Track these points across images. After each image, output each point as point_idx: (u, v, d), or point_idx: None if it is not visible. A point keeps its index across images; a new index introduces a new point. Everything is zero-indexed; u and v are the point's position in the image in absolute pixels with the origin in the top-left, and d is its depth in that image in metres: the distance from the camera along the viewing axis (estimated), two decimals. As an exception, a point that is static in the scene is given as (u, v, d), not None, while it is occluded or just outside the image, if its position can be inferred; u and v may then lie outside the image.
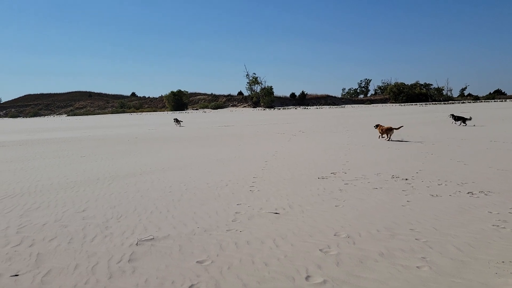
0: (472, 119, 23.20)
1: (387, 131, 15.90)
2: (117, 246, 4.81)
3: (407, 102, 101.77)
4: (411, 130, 20.82)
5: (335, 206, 6.36)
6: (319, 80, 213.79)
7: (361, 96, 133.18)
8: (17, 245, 4.92)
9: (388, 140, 15.69)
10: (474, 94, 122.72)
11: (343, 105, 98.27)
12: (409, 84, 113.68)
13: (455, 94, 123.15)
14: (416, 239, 4.79)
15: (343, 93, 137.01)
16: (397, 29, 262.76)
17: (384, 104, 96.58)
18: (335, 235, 5.02)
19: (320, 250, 4.53)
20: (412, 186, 7.56)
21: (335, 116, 42.37)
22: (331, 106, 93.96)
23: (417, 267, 4.02)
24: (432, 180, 8.08)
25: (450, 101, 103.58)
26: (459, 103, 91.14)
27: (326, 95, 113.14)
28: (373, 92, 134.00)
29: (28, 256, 4.56)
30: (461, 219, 5.51)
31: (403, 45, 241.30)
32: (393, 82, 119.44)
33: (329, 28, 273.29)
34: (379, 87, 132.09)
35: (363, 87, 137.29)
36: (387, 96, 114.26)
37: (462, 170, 9.04)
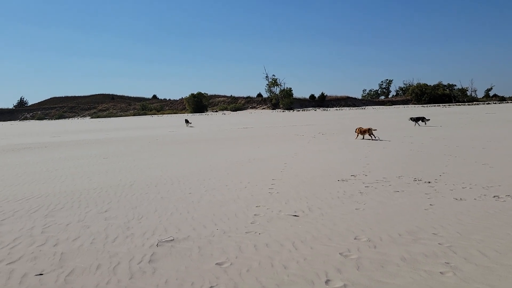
0: (430, 120, 25.68)
1: (365, 132, 17.87)
2: (138, 247, 4.87)
3: (430, 103, 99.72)
4: (434, 131, 20.40)
5: (356, 209, 6.27)
6: (339, 81, 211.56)
7: (382, 97, 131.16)
8: (42, 244, 5.06)
9: (367, 139, 17.73)
10: (500, 94, 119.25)
11: (364, 107, 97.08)
12: (431, 85, 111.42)
13: (480, 94, 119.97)
14: (439, 243, 4.67)
15: (364, 94, 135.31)
16: (419, 29, 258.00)
17: (405, 105, 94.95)
18: (355, 238, 4.95)
19: (340, 253, 4.47)
20: (435, 189, 7.39)
21: (355, 118, 41.90)
22: (351, 108, 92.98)
23: (440, 272, 3.92)
24: (456, 183, 7.88)
25: (474, 102, 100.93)
26: (484, 104, 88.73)
27: (346, 96, 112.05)
28: (395, 93, 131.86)
29: (52, 255, 4.67)
30: (487, 223, 5.35)
31: (426, 45, 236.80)
32: (415, 83, 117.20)
33: (349, 29, 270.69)
34: (401, 88, 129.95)
35: (384, 88, 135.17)
36: (409, 97, 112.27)
37: (488, 173, 8.79)
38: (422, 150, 13.09)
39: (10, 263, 4.46)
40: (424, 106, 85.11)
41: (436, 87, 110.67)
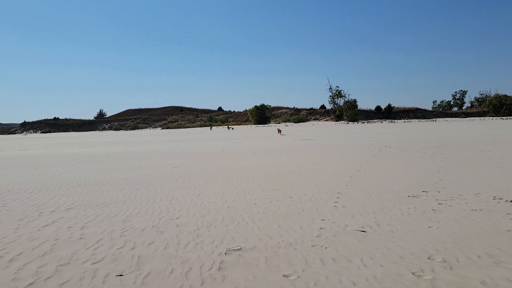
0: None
1: (280, 131, 43.62)
2: (208, 254, 5.07)
3: (510, 116, 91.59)
4: (516, 146, 18.72)
5: (428, 227, 5.97)
6: (407, 92, 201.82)
7: (455, 108, 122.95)
8: (121, 247, 5.45)
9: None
10: None
11: (434, 119, 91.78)
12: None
13: None
14: (525, 269, 4.29)
15: (434, 106, 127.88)
16: (495, 34, 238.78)
17: (482, 118, 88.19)
18: (429, 258, 4.71)
19: (412, 273, 4.29)
20: (519, 210, 6.78)
21: (425, 130, 39.79)
22: (421, 120, 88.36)
23: (527, 301, 3.60)
24: (544, 203, 7.17)
25: None
26: None
27: (415, 107, 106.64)
28: (469, 105, 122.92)
29: (131, 258, 5.02)
30: None
31: (505, 53, 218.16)
32: (493, 94, 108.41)
33: (418, 38, 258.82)
34: (477, 99, 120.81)
35: (458, 99, 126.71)
36: (485, 109, 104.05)
37: None
38: (502, 166, 12.09)
39: (94, 263, 4.87)
40: (503, 119, 78.41)
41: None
